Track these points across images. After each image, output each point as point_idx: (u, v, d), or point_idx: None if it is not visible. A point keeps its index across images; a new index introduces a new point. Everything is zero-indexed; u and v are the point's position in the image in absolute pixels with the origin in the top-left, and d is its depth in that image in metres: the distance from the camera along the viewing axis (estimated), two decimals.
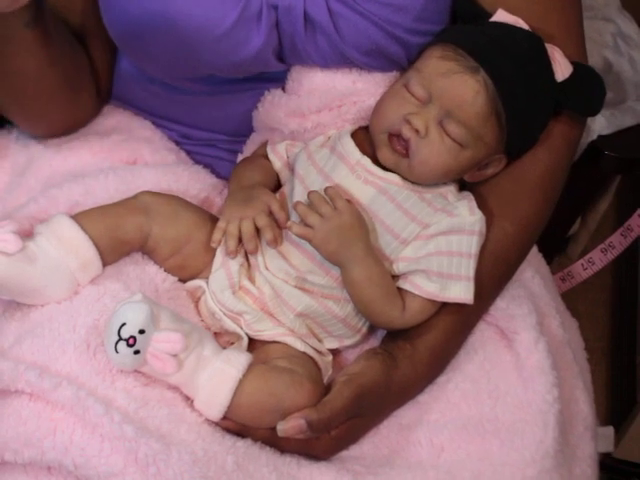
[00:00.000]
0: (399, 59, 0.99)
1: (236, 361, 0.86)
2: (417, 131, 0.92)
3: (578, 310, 1.82)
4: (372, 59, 0.99)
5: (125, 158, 1.07)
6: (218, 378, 0.85)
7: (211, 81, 1.03)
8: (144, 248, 0.96)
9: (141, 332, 0.81)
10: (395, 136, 0.94)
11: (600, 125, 1.28)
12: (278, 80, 1.03)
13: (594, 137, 1.28)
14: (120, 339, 0.81)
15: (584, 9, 1.18)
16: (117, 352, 0.82)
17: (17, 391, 0.83)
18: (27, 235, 0.92)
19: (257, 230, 0.94)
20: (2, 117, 1.14)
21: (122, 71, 1.11)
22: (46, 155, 1.07)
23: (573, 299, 1.39)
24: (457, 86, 0.92)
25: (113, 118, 1.12)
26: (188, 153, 1.12)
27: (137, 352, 0.82)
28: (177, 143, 1.12)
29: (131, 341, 0.81)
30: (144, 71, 1.06)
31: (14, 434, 0.81)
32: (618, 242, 1.35)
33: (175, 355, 0.83)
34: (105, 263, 0.92)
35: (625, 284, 1.92)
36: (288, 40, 0.97)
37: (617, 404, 1.77)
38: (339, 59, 0.99)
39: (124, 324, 0.81)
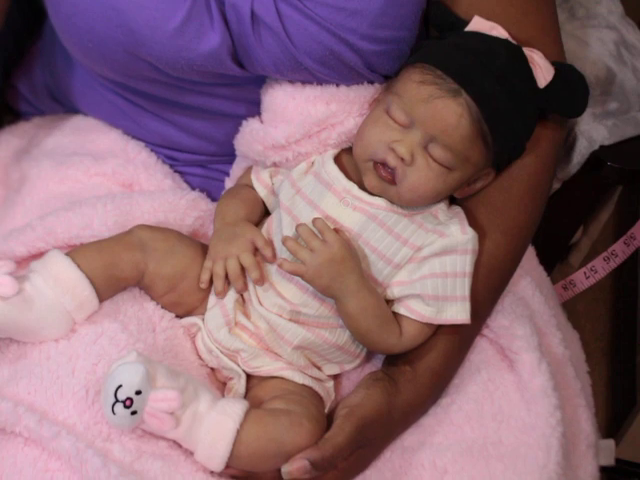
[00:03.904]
0: (358, 67, 0.95)
1: (232, 411, 0.85)
2: (402, 159, 0.91)
3: (578, 310, 1.83)
4: (328, 68, 0.95)
5: (122, 182, 1.06)
6: (215, 431, 0.84)
7: (182, 90, 1.00)
8: (140, 284, 0.96)
9: (137, 393, 0.81)
10: (380, 164, 0.92)
11: (602, 135, 1.27)
12: (253, 109, 1.01)
13: (596, 147, 1.27)
14: (117, 401, 0.81)
15: (588, 17, 1.17)
16: (114, 414, 0.81)
17: (13, 432, 0.83)
18: (23, 261, 0.92)
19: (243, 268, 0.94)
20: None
21: (96, 102, 1.09)
22: (41, 175, 1.06)
23: (573, 300, 1.39)
24: (439, 111, 0.90)
25: (107, 137, 1.10)
26: (181, 175, 1.11)
27: (134, 413, 0.81)
28: (169, 166, 1.11)
29: (128, 402, 0.81)
30: (116, 95, 1.04)
31: None
32: (621, 250, 1.34)
33: (172, 413, 0.82)
34: (101, 299, 0.92)
35: (625, 284, 1.92)
36: (237, 39, 0.94)
37: (617, 404, 1.77)
38: (293, 66, 0.95)
39: (120, 386, 0.81)
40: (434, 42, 0.98)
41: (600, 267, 1.35)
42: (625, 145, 1.28)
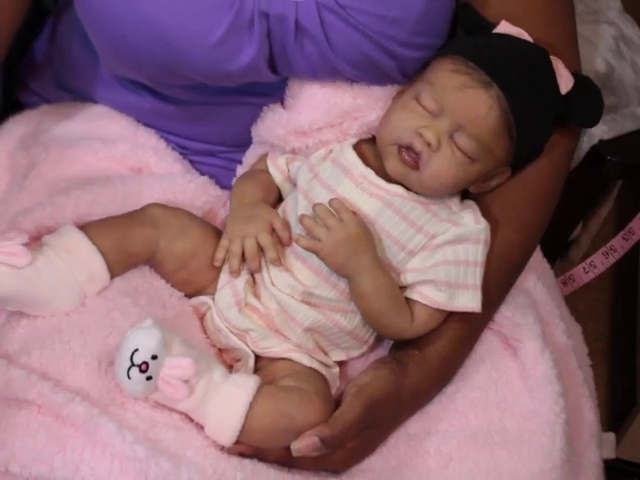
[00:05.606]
0: (391, 72, 0.98)
1: (245, 384, 0.85)
2: (429, 144, 0.92)
3: (578, 310, 1.83)
4: (363, 72, 0.97)
5: (131, 166, 1.06)
6: (229, 402, 0.84)
7: (204, 92, 1.01)
8: (151, 261, 0.96)
9: (154, 358, 0.81)
10: (405, 148, 0.93)
11: (601, 130, 1.27)
12: (273, 95, 1.02)
13: (595, 141, 1.28)
14: (132, 365, 0.80)
15: (587, 13, 1.17)
16: (129, 378, 0.81)
17: (26, 401, 0.82)
18: (33, 240, 0.92)
19: (260, 248, 0.94)
20: (2, 116, 1.14)
21: (110, 88, 1.09)
22: (49, 159, 1.05)
23: (573, 299, 1.39)
24: (470, 100, 0.92)
25: (117, 124, 1.10)
26: (191, 163, 1.11)
27: (149, 378, 0.81)
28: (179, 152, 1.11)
29: (144, 367, 0.80)
30: (133, 82, 1.04)
31: (22, 447, 0.80)
32: (620, 245, 1.35)
33: (186, 381, 0.82)
34: (112, 275, 0.92)
35: (625, 284, 1.92)
36: (278, 49, 0.95)
37: (617, 404, 1.77)
38: (329, 71, 0.97)
39: (136, 350, 0.80)
40: (464, 38, 1.00)
41: (599, 262, 1.36)
42: (625, 139, 1.29)
